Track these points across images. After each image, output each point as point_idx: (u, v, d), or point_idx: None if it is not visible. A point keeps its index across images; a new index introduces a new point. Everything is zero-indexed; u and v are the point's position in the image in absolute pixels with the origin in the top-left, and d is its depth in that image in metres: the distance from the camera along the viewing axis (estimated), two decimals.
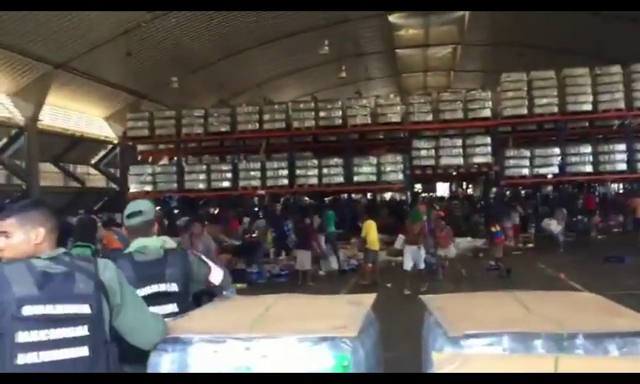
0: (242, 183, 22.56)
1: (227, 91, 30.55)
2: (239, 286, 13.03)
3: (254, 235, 17.38)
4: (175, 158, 25.95)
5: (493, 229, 15.12)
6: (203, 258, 3.56)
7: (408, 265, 12.46)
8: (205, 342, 2.58)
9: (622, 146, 20.72)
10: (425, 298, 3.23)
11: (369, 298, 3.14)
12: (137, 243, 3.38)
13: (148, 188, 23.01)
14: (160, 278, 3.24)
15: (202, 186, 22.85)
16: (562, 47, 27.95)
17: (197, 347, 2.58)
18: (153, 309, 2.85)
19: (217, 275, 3.41)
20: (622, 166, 20.56)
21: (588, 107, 20.75)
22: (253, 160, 23.96)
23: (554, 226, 18.67)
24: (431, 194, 43.02)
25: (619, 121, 22.22)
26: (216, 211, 25.04)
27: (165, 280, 3.24)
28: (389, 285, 13.16)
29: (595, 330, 2.47)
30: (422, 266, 12.56)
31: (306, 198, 31.23)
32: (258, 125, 22.82)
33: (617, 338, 2.45)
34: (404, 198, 27.57)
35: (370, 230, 13.84)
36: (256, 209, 26.78)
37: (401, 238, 13.41)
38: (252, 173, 22.66)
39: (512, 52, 29.23)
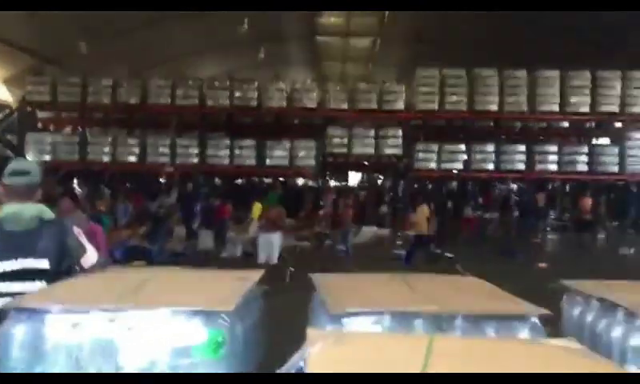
0: (149, 159, 21.75)
1: (141, 63, 29.27)
2: (137, 263, 12.55)
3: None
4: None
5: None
6: (82, 237, 3.24)
7: (261, 256, 11.24)
8: (64, 313, 2.34)
9: (522, 147, 21.76)
10: (313, 276, 3.15)
11: (256, 274, 3.01)
12: (9, 209, 3.02)
13: (47, 157, 21.65)
14: (30, 251, 2.91)
15: (106, 159, 21.78)
16: (476, 46, 28.99)
17: (54, 319, 2.34)
18: (18, 285, 2.55)
19: (89, 259, 3.12)
20: (521, 166, 21.62)
21: (494, 107, 21.60)
22: (162, 136, 23.12)
23: None
24: (343, 183, 43.58)
25: (521, 123, 23.30)
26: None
27: (35, 254, 2.91)
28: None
29: (473, 312, 2.48)
30: (275, 259, 11.22)
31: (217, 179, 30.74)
32: (169, 100, 22.02)
33: (494, 320, 2.48)
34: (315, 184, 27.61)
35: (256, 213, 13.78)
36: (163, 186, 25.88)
37: (254, 222, 12.44)
38: (161, 149, 21.88)
39: (428, 48, 29.96)
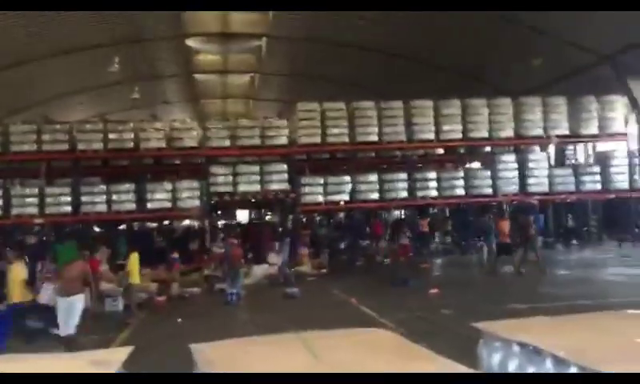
0: (15, 211, 19.84)
1: (2, 108, 26.98)
2: None
3: None
4: None
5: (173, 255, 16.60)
6: None
7: (64, 329, 8.55)
8: None
9: (404, 176, 22.37)
10: (195, 347, 2.66)
11: (119, 354, 2.47)
12: None
13: None
14: None
15: None
16: (351, 81, 29.83)
17: None
18: None
19: None
20: (404, 193, 22.19)
21: (375, 138, 22.09)
22: (29, 185, 21.23)
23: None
24: (231, 220, 42.72)
25: (401, 152, 23.99)
26: None
27: None
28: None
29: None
30: (72, 329, 8.52)
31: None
32: (35, 146, 20.30)
33: None
34: (202, 225, 26.62)
35: (134, 263, 12.74)
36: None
37: (47, 288, 9.88)
38: (28, 199, 20.04)
39: (307, 83, 30.39)
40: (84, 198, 20.32)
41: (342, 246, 24.69)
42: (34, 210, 19.98)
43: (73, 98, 30.11)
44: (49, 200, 20.08)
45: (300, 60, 28.76)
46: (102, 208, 20.42)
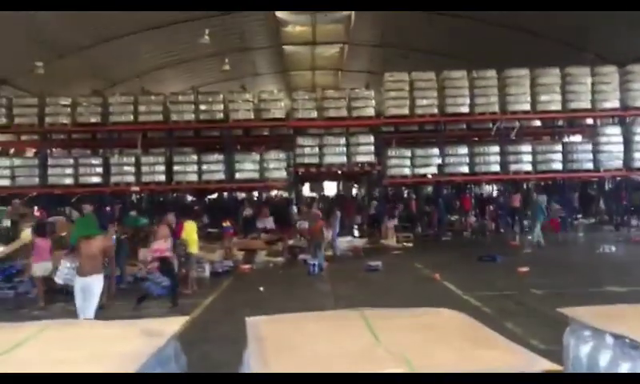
0: (114, 179, 20.93)
1: (102, 81, 28.43)
2: None
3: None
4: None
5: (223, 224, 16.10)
6: None
7: (81, 314, 7.24)
8: None
9: (496, 149, 21.41)
10: (251, 321, 2.52)
11: (173, 325, 2.38)
12: None
13: (5, 182, 20.69)
14: None
15: (68, 181, 20.85)
16: (444, 50, 28.75)
17: None
18: None
19: None
20: (496, 168, 21.28)
21: (465, 109, 21.27)
22: (126, 154, 22.28)
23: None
24: (320, 192, 43.07)
25: (494, 123, 22.93)
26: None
27: None
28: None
29: (451, 369, 1.88)
30: (91, 313, 7.23)
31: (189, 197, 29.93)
32: (132, 117, 21.23)
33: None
34: (291, 196, 26.93)
35: (190, 233, 12.34)
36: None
37: (64, 263, 8.27)
38: (125, 168, 21.09)
39: (397, 53, 29.64)
40: (176, 168, 21.06)
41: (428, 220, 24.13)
42: (130, 179, 20.94)
43: (167, 71, 31.15)
44: (144, 169, 20.97)
45: (390, 30, 28.02)
46: (193, 177, 21.09)
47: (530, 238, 17.52)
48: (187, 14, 24.29)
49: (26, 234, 13.25)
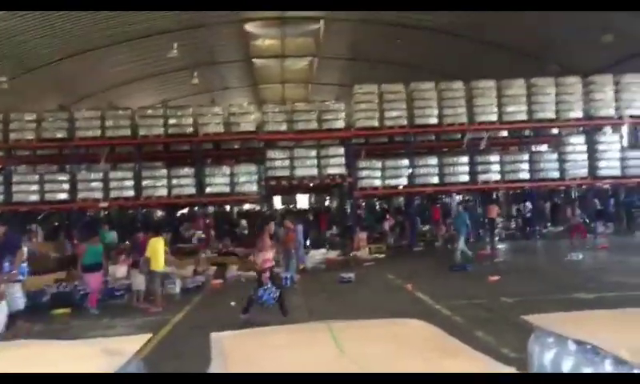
0: (81, 195, 20.55)
1: (70, 96, 28.01)
2: (61, 311, 11.47)
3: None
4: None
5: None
6: None
7: None
8: None
9: (465, 159, 21.69)
10: (215, 336, 2.47)
11: (134, 343, 2.31)
12: None
13: None
14: None
15: (34, 197, 20.41)
16: (412, 62, 29.11)
17: None
18: None
19: None
20: (465, 178, 21.54)
21: (434, 120, 21.51)
22: (94, 170, 21.91)
23: None
24: (291, 205, 43.02)
25: (462, 134, 23.24)
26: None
27: None
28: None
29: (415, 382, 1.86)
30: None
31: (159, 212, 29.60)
32: (99, 132, 20.90)
33: None
34: (263, 209, 26.79)
35: (156, 249, 11.92)
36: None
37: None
38: (93, 184, 20.71)
39: (366, 66, 29.88)
40: (146, 182, 20.78)
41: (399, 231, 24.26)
42: (98, 194, 20.59)
43: (136, 85, 30.85)
44: (113, 184, 20.65)
45: (359, 42, 28.29)
46: (163, 192, 20.83)
47: (457, 253, 16.54)
48: (156, 27, 24.18)
49: None
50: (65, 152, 23.04)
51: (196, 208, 25.32)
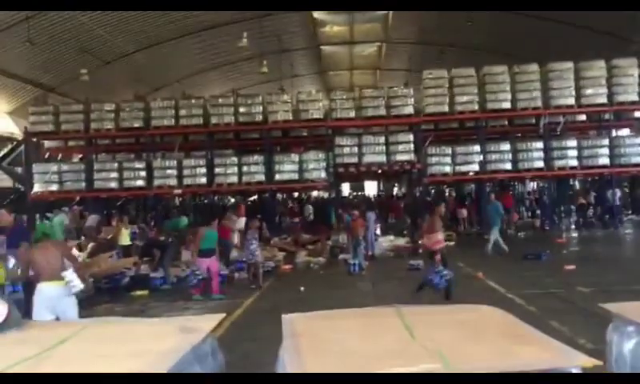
0: (157, 182, 21.32)
1: (145, 86, 29.10)
2: (140, 293, 12.00)
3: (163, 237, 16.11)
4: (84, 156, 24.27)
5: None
6: None
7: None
8: None
9: (540, 144, 20.94)
10: (286, 317, 2.52)
11: (210, 322, 2.40)
12: None
13: (53, 187, 21.35)
14: None
15: (113, 184, 21.36)
16: (483, 46, 28.31)
17: None
18: None
19: None
20: (540, 164, 20.80)
21: (507, 105, 20.87)
22: (169, 158, 22.67)
23: None
24: (360, 192, 43.01)
25: (537, 119, 22.42)
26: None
27: None
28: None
29: (486, 368, 1.83)
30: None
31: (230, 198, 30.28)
32: (173, 120, 21.58)
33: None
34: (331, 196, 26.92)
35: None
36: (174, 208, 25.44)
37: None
38: (168, 171, 21.43)
39: (435, 50, 29.32)
40: (217, 170, 21.31)
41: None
42: (173, 182, 21.30)
43: (207, 75, 31.66)
44: (186, 172, 21.29)
45: (428, 27, 27.78)
46: (234, 179, 21.29)
47: (488, 246, 15.97)
48: (225, 17, 24.68)
49: None
50: (141, 140, 24.00)
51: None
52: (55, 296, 6.28)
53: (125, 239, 15.44)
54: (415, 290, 10.04)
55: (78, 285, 6.30)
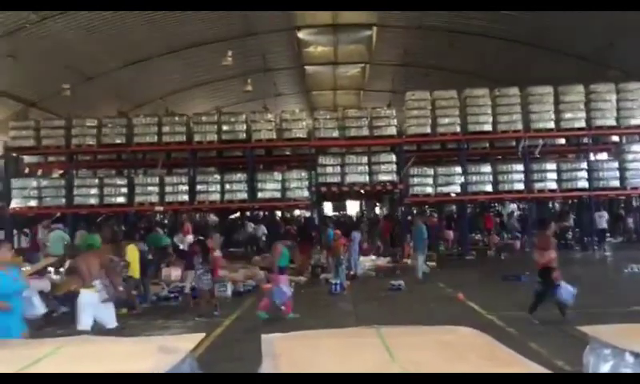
0: (138, 199, 21.15)
1: (128, 102, 29.00)
2: (120, 312, 11.80)
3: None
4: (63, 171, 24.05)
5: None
6: None
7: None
8: None
9: (520, 167, 21.20)
10: (266, 338, 2.51)
11: (189, 342, 2.38)
12: None
13: (32, 203, 21.07)
14: None
15: (93, 201, 21.13)
16: (465, 69, 28.71)
17: None
18: None
19: None
20: (520, 186, 21.05)
21: (488, 127, 21.17)
22: (150, 174, 22.55)
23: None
24: (341, 212, 43.01)
25: (517, 142, 22.71)
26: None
27: None
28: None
29: None
30: (113, 323, 7.50)
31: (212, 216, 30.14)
32: (156, 137, 21.50)
33: None
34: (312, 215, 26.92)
35: (132, 256, 12.11)
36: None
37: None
38: (149, 188, 21.28)
39: (418, 72, 29.68)
40: (199, 187, 21.23)
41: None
42: (154, 199, 21.14)
43: (191, 92, 31.62)
44: (168, 189, 21.17)
45: (412, 49, 28.10)
46: (216, 197, 21.21)
47: (418, 273, 15.67)
48: (210, 35, 24.76)
49: None
50: (123, 157, 23.85)
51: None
52: (94, 302, 7.22)
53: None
54: (529, 310, 9.90)
55: (103, 294, 7.25)
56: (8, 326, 5.60)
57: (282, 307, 10.84)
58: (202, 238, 14.23)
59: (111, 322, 7.46)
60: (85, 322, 7.25)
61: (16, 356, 2.46)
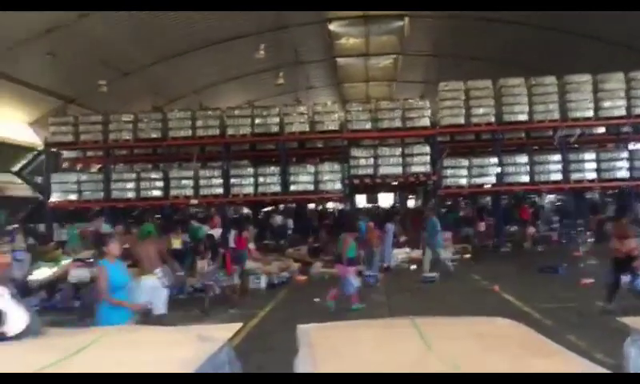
0: (173, 192, 21.47)
1: (162, 97, 29.40)
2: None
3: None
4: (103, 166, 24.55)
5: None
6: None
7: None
8: None
9: (557, 157, 20.78)
10: (302, 328, 2.54)
11: (226, 331, 2.43)
12: None
13: (72, 197, 21.62)
14: None
15: (130, 194, 21.56)
16: (500, 58, 28.24)
17: None
18: None
19: (14, 325, 2.57)
20: (557, 176, 20.64)
21: (524, 117, 20.78)
22: (185, 168, 22.86)
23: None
24: (374, 204, 42.84)
25: (554, 131, 22.27)
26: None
27: None
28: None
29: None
30: (163, 309, 7.88)
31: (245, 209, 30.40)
32: (190, 131, 21.77)
33: None
34: (346, 207, 26.91)
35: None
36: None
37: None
38: (184, 181, 21.57)
39: (451, 62, 29.31)
40: (233, 180, 21.42)
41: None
42: (189, 192, 21.44)
43: (224, 86, 31.92)
44: (202, 182, 21.43)
45: (444, 38, 27.78)
46: (250, 190, 21.38)
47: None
48: (243, 30, 24.91)
49: None
50: (159, 151, 24.21)
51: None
52: (152, 287, 7.60)
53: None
54: (606, 301, 9.72)
55: (165, 281, 7.75)
56: (121, 316, 5.75)
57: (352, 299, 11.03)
58: (211, 233, 14.54)
59: (163, 308, 7.89)
60: (158, 307, 7.65)
61: (62, 344, 2.55)
